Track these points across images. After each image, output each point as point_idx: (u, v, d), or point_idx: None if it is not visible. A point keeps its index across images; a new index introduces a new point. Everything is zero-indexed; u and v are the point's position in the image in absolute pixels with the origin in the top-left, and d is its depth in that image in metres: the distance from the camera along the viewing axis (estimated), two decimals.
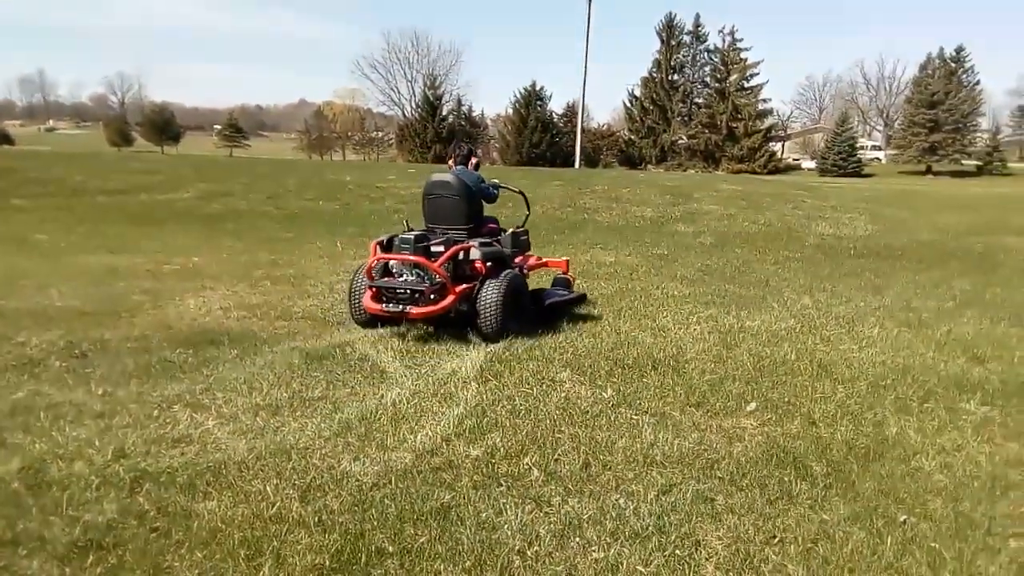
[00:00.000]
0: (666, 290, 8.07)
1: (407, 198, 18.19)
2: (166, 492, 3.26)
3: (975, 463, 3.78)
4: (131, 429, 3.94)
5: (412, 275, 5.91)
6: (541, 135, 59.18)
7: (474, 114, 68.42)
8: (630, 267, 9.64)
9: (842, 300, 7.78)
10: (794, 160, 70.81)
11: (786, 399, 4.62)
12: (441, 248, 5.92)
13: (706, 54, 65.05)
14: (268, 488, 3.30)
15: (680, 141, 64.44)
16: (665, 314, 6.89)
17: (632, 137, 65.31)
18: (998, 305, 7.78)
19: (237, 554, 2.78)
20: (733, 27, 62.80)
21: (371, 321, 6.13)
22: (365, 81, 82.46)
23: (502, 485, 3.41)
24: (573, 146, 54.30)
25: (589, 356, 5.45)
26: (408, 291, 5.78)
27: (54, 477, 3.35)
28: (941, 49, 66.53)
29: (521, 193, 7.21)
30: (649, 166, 61.96)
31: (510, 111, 63.84)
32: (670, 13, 64.67)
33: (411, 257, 5.84)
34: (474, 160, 6.75)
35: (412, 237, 5.91)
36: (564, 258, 7.65)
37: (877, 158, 70.08)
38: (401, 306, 5.72)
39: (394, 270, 6.05)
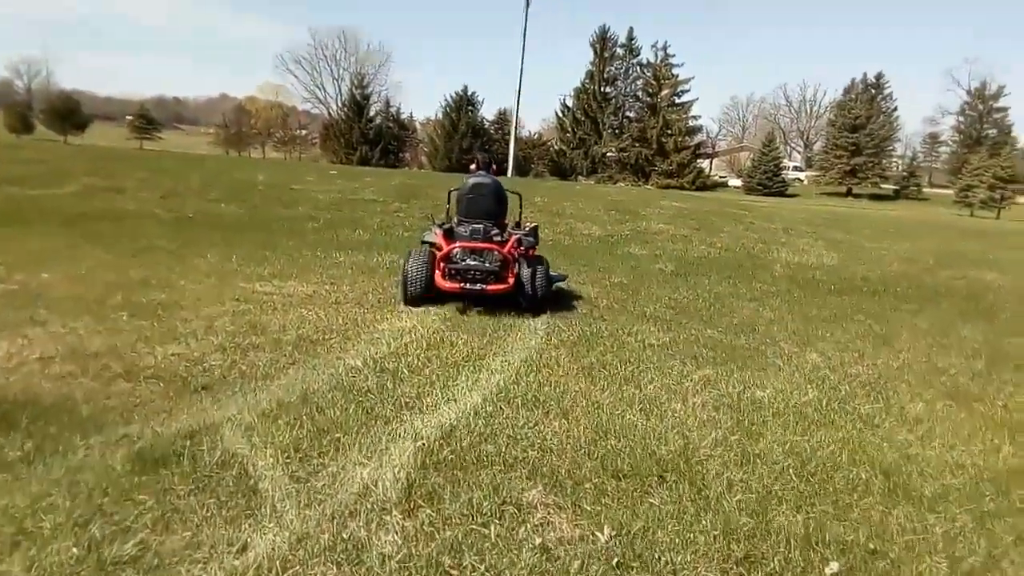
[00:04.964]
0: (640, 336, 6.50)
1: (325, 204, 16.21)
2: None
3: None
4: None
5: (473, 260, 7.02)
6: (472, 141, 57.57)
7: (403, 116, 66.10)
8: (589, 301, 8.05)
9: (852, 354, 6.39)
10: (720, 178, 71.45)
11: (871, 546, 3.07)
12: (499, 238, 7.24)
13: (639, 68, 64.77)
14: None
15: (610, 154, 63.87)
16: (649, 375, 5.31)
17: (563, 148, 64.41)
18: None
19: None
20: (666, 43, 62.88)
21: (421, 300, 7.06)
22: (290, 77, 79.14)
23: None
24: (504, 153, 52.98)
25: (564, 454, 3.80)
26: (481, 272, 6.94)
27: None
28: (864, 75, 68.56)
29: (518, 194, 8.37)
30: (580, 177, 61.14)
31: (440, 115, 62.12)
32: (604, 25, 64.27)
33: (484, 245, 7.07)
34: (494, 168, 8.11)
35: (481, 228, 7.22)
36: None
37: (799, 178, 71.36)
38: (479, 285, 6.90)
39: (456, 256, 7.04)
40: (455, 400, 4.52)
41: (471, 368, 5.25)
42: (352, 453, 3.64)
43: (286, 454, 3.56)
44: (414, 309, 7.05)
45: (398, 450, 3.69)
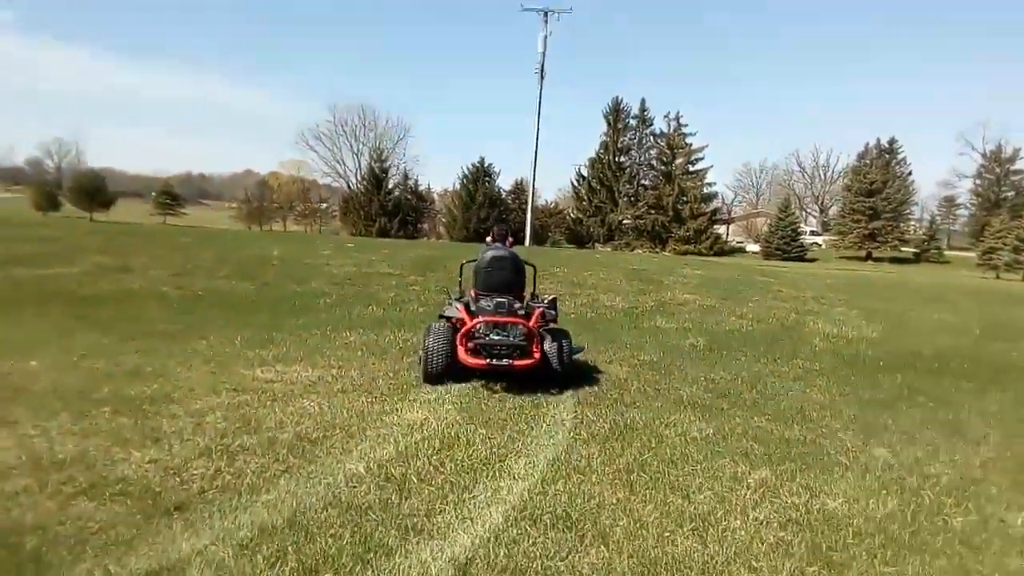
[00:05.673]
0: (680, 427, 5.78)
1: (339, 278, 15.73)
2: None
3: None
4: None
5: (497, 335, 6.79)
6: (489, 211, 57.74)
7: (421, 188, 66.68)
8: (617, 382, 7.36)
9: (925, 448, 5.62)
10: (738, 243, 71.01)
11: None
12: (522, 312, 7.05)
13: (652, 138, 65.27)
14: None
15: (627, 221, 63.80)
16: (698, 479, 4.58)
17: (580, 216, 64.46)
18: None
19: None
20: (678, 113, 63.45)
21: (442, 377, 6.82)
22: (310, 153, 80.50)
23: None
24: (521, 223, 53.00)
25: None
26: (507, 347, 6.72)
27: None
28: (878, 140, 68.77)
29: (533, 266, 8.03)
30: (597, 244, 60.95)
31: (457, 186, 62.57)
32: (616, 97, 65.03)
33: (510, 319, 6.84)
34: (510, 239, 7.98)
35: (506, 302, 7.01)
36: None
37: (817, 243, 70.74)
38: (506, 360, 6.67)
39: (480, 330, 6.81)
40: (471, 519, 3.82)
41: (490, 473, 4.55)
42: None
43: None
44: (428, 397, 6.42)
45: None
